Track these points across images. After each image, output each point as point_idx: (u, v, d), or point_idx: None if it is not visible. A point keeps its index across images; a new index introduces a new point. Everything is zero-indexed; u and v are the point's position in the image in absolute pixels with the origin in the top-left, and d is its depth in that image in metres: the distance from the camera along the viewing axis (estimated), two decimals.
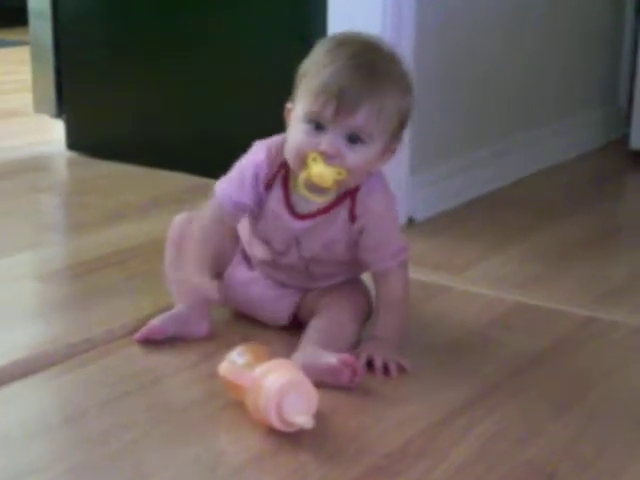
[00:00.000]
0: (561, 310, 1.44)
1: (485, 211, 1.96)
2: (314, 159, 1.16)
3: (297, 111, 1.19)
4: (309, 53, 1.23)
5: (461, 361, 1.26)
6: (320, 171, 1.16)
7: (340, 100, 1.14)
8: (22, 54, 3.13)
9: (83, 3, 2.24)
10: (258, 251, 1.31)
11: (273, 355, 1.11)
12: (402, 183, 1.81)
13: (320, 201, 1.21)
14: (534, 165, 2.27)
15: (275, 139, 1.26)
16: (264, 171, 1.24)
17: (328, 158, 1.16)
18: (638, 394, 1.20)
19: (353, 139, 1.17)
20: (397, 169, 1.80)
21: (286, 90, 1.24)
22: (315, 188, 1.18)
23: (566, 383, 1.21)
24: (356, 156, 1.17)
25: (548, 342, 1.33)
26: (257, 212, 1.27)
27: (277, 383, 1.02)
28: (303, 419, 1.01)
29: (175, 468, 0.98)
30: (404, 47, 1.74)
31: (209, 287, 1.22)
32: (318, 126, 1.16)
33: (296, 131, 1.19)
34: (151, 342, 1.26)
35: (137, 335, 1.26)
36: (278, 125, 1.25)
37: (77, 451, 1.02)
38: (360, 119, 1.16)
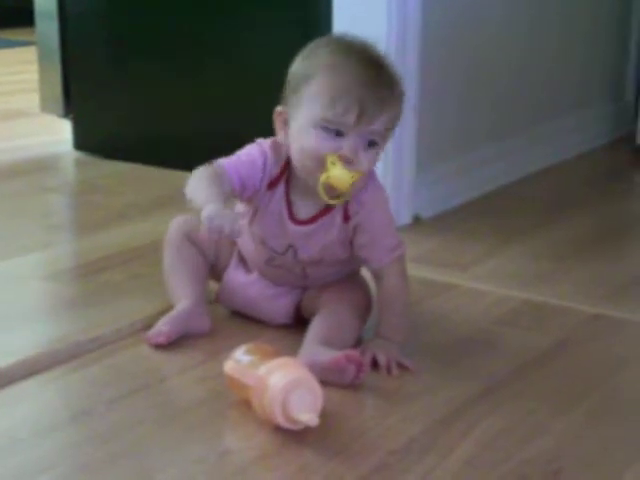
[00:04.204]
0: (568, 307, 1.44)
1: (491, 208, 1.96)
2: (333, 162, 1.16)
3: (306, 114, 1.18)
4: (302, 55, 1.22)
5: (466, 358, 1.26)
6: (340, 174, 1.16)
7: (362, 107, 1.15)
8: (28, 54, 3.14)
9: (89, 3, 2.25)
10: (253, 250, 1.31)
11: (278, 353, 1.11)
12: (408, 181, 1.82)
13: (335, 203, 1.21)
14: (541, 162, 2.27)
15: (274, 140, 1.26)
16: (271, 167, 1.24)
17: (347, 162, 1.17)
18: None
19: (371, 144, 1.18)
20: (403, 168, 1.80)
21: None
22: (332, 191, 1.19)
23: (571, 380, 1.21)
24: (370, 159, 1.19)
25: (555, 339, 1.33)
26: (254, 209, 1.26)
27: (282, 381, 1.03)
28: (308, 417, 1.01)
29: (181, 466, 0.99)
30: (409, 46, 1.75)
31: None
32: (337, 132, 1.17)
33: (310, 135, 1.18)
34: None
35: (147, 339, 1.26)
36: None
37: (84, 449, 1.02)
38: (379, 126, 1.17)
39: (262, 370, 1.05)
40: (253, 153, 1.25)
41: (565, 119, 2.41)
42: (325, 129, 1.17)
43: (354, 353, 1.14)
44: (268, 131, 1.28)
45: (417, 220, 1.84)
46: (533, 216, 1.94)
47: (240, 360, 1.10)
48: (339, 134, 1.17)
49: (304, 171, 1.21)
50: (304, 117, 1.19)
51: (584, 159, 2.41)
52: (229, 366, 1.11)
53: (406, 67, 1.75)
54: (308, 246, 1.26)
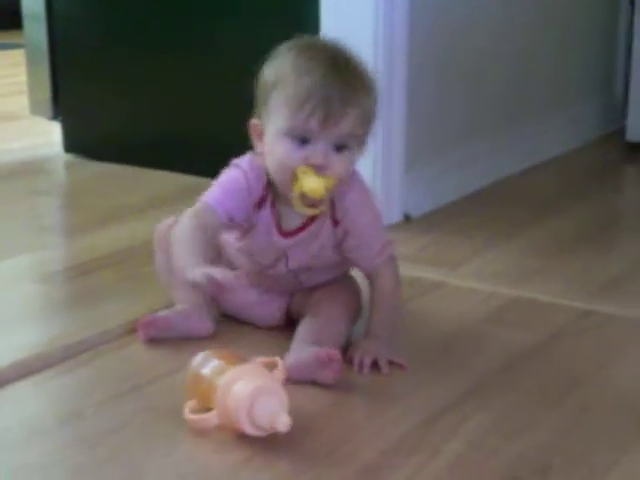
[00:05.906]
0: (557, 303, 1.44)
1: (480, 206, 1.96)
2: (304, 172, 1.14)
3: (274, 125, 1.16)
4: (268, 62, 1.19)
5: (454, 356, 1.26)
6: (313, 185, 1.14)
7: (326, 110, 1.12)
8: (17, 57, 3.13)
9: (77, 5, 2.25)
10: (243, 263, 1.29)
11: (240, 358, 1.08)
12: (397, 180, 1.82)
13: (314, 213, 1.19)
14: (530, 159, 2.27)
15: (250, 160, 1.23)
16: (255, 191, 1.21)
17: (318, 169, 1.15)
18: (632, 386, 1.20)
19: (340, 147, 1.16)
20: (392, 166, 1.80)
21: None
22: (309, 201, 1.17)
23: (560, 376, 1.21)
24: (344, 163, 1.17)
25: (543, 336, 1.33)
26: (245, 229, 1.24)
27: (244, 391, 1.00)
28: (279, 421, 0.99)
29: (169, 467, 0.99)
30: (396, 42, 1.75)
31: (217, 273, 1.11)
32: (304, 139, 1.14)
33: (279, 146, 1.16)
34: (153, 340, 1.26)
35: (141, 321, 1.26)
36: None
37: (73, 452, 1.02)
38: (346, 127, 1.14)
39: (221, 382, 1.03)
40: (235, 179, 1.21)
41: (554, 116, 2.41)
42: (292, 138, 1.14)
43: (332, 351, 1.13)
44: None
45: (407, 219, 1.84)
46: (522, 213, 1.94)
47: (199, 372, 1.07)
48: (305, 141, 1.14)
49: (280, 184, 1.19)
50: (273, 128, 1.17)
51: (573, 156, 2.42)
52: (190, 377, 1.08)
53: (394, 64, 1.75)
54: (298, 255, 1.25)
